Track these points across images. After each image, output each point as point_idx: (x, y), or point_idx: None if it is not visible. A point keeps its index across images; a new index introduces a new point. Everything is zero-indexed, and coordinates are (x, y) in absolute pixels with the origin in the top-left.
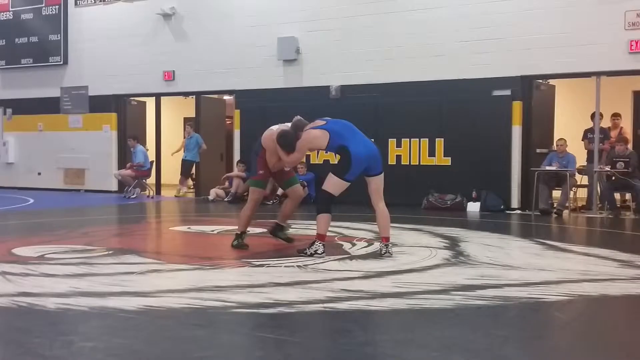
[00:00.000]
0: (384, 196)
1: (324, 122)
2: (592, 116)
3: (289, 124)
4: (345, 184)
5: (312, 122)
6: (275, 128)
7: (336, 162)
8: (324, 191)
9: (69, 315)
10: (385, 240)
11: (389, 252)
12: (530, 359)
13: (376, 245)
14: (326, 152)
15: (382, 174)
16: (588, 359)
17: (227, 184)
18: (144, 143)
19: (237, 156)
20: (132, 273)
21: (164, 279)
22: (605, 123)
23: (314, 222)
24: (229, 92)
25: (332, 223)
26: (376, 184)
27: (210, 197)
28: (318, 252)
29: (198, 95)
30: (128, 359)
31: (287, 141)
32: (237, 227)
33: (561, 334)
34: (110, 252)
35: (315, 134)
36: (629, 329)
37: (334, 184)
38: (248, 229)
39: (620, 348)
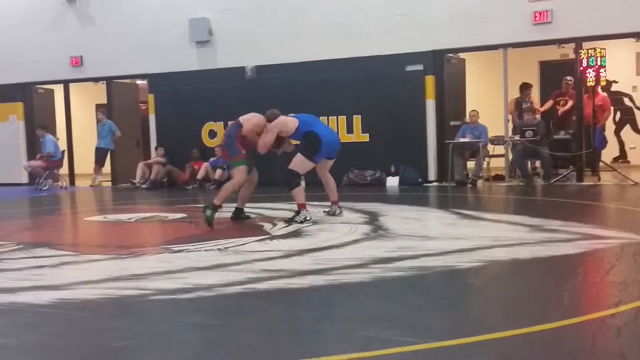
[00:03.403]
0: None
1: (293, 115)
2: (521, 87)
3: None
4: (311, 165)
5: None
6: (252, 115)
7: (304, 145)
8: (290, 170)
9: None
10: (335, 203)
11: (340, 211)
12: (445, 325)
13: (297, 225)
14: (294, 138)
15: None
16: (500, 321)
17: (147, 170)
18: (53, 132)
19: (153, 141)
20: (44, 266)
21: (78, 271)
22: (516, 94)
23: (234, 204)
24: (142, 77)
25: (252, 204)
26: (329, 165)
27: (137, 179)
28: (307, 218)
29: (109, 80)
30: (41, 354)
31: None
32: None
33: (475, 299)
34: (20, 246)
35: (286, 119)
36: (538, 290)
37: (300, 163)
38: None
39: (530, 309)
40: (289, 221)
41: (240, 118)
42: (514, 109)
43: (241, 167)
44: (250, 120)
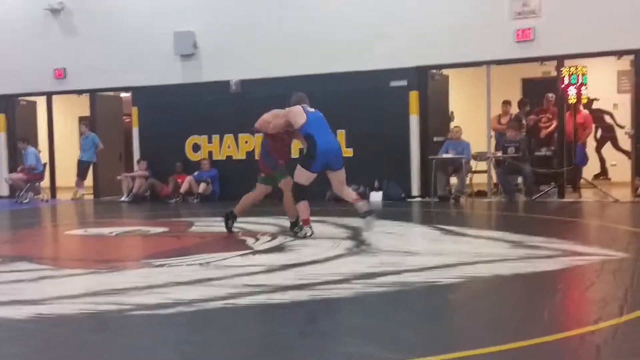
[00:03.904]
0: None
1: (313, 110)
2: (519, 103)
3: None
4: (310, 175)
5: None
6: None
7: (303, 154)
8: (295, 183)
9: None
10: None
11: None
12: (426, 341)
13: (280, 239)
14: (300, 131)
15: (343, 168)
16: (481, 337)
17: (131, 182)
18: (35, 144)
19: (136, 155)
20: (23, 281)
21: (57, 285)
22: (497, 110)
23: (219, 218)
24: (126, 89)
25: (238, 219)
26: (338, 177)
27: (125, 191)
28: (307, 234)
29: (92, 93)
30: None
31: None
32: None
33: (456, 315)
34: None
35: (299, 110)
36: (518, 306)
37: (302, 175)
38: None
39: (511, 325)
40: (295, 236)
41: (260, 124)
42: (497, 125)
43: (284, 180)
44: (267, 120)
